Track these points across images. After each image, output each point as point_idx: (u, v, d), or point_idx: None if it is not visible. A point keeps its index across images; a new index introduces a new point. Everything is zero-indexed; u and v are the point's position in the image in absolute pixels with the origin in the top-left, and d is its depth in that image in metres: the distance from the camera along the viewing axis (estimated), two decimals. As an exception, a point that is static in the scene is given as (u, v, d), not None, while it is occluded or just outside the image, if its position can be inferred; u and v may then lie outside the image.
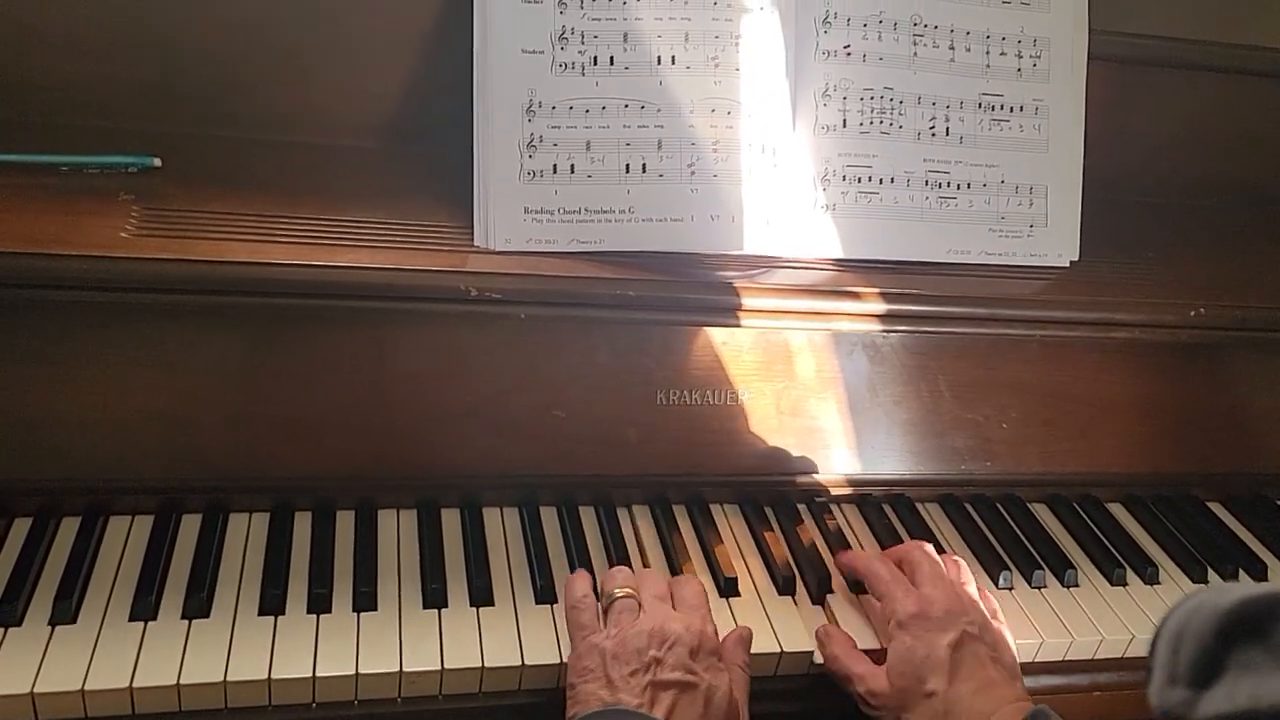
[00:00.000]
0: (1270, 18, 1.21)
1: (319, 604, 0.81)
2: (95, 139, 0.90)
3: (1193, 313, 1.01)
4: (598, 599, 0.82)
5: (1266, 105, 1.18)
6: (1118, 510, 1.09)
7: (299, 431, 0.87)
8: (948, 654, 0.78)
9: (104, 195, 0.85)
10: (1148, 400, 1.06)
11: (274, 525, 0.88)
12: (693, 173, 0.91)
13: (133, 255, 0.78)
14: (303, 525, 0.89)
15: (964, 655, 0.78)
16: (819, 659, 0.85)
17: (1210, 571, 1.01)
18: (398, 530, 0.91)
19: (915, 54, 0.97)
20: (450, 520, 0.92)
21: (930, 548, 0.89)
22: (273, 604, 0.81)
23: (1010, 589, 0.95)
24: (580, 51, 0.89)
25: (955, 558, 0.90)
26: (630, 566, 0.89)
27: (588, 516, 0.96)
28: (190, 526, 0.87)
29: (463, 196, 0.91)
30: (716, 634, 0.80)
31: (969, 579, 0.87)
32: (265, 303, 0.82)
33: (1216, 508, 1.12)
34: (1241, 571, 1.02)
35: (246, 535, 0.88)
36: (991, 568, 0.96)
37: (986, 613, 0.84)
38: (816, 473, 1.00)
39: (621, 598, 0.80)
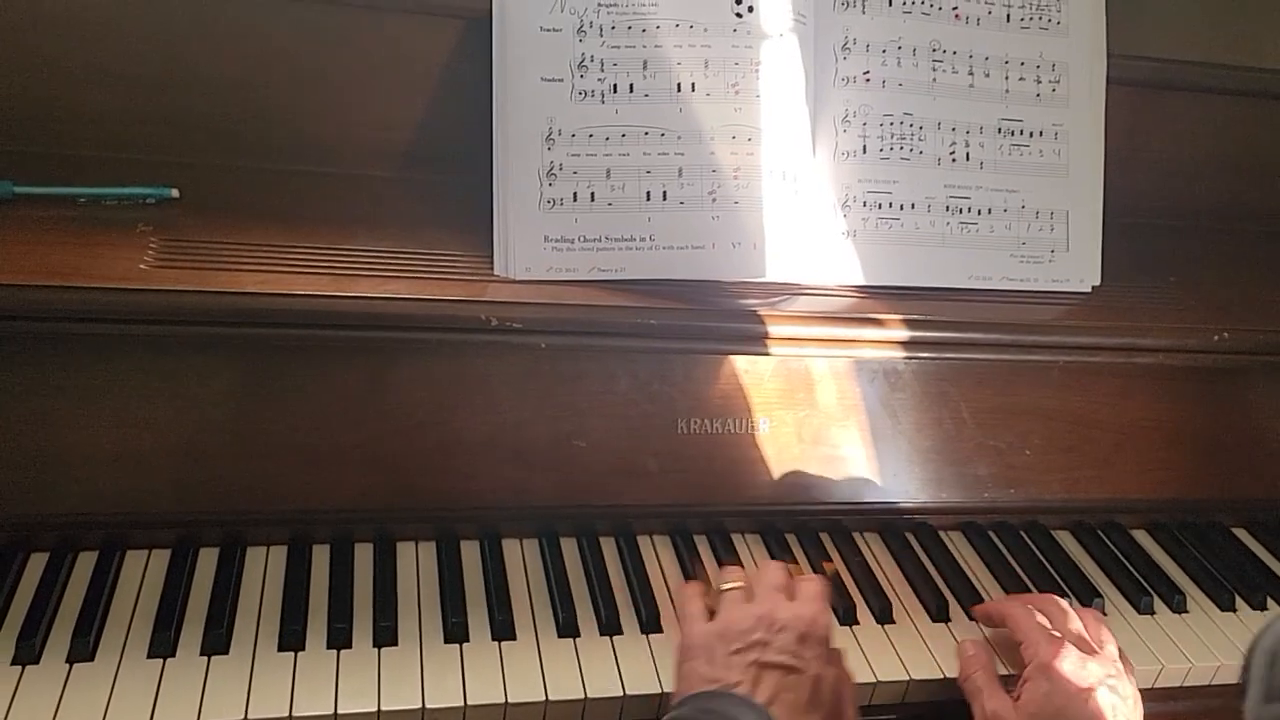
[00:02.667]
0: (1287, 40, 1.21)
1: (339, 639, 0.80)
2: (113, 170, 0.90)
3: (1217, 337, 1.00)
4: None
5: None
6: (1143, 537, 1.08)
7: (317, 463, 0.86)
8: (1085, 705, 0.78)
9: (122, 227, 0.85)
10: (1172, 425, 1.05)
11: (292, 558, 0.87)
12: (714, 200, 0.90)
13: (150, 287, 0.78)
14: (321, 558, 0.88)
15: (1102, 707, 0.78)
16: (953, 673, 0.85)
17: (1239, 599, 1.00)
18: (417, 562, 0.89)
19: (934, 79, 0.96)
20: (470, 552, 0.91)
21: (1065, 602, 0.88)
22: (292, 640, 0.79)
23: (1037, 619, 0.93)
24: (600, 79, 0.88)
25: (1093, 611, 0.90)
26: (653, 597, 0.88)
27: (608, 547, 0.94)
28: (208, 560, 0.86)
29: (482, 225, 0.90)
30: (829, 626, 0.79)
31: (1109, 637, 0.86)
32: (282, 333, 0.81)
33: (1241, 533, 1.11)
34: (1270, 599, 1.01)
35: (265, 568, 0.86)
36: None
37: (1122, 667, 0.83)
38: (838, 501, 0.99)
39: (731, 589, 0.81)
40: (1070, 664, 0.80)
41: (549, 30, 0.88)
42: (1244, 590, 1.00)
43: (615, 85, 0.89)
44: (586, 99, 0.88)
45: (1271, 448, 1.09)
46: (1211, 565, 1.04)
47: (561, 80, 0.88)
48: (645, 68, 0.89)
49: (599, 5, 0.88)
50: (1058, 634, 0.84)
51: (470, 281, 0.87)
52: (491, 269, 0.89)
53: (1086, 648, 0.83)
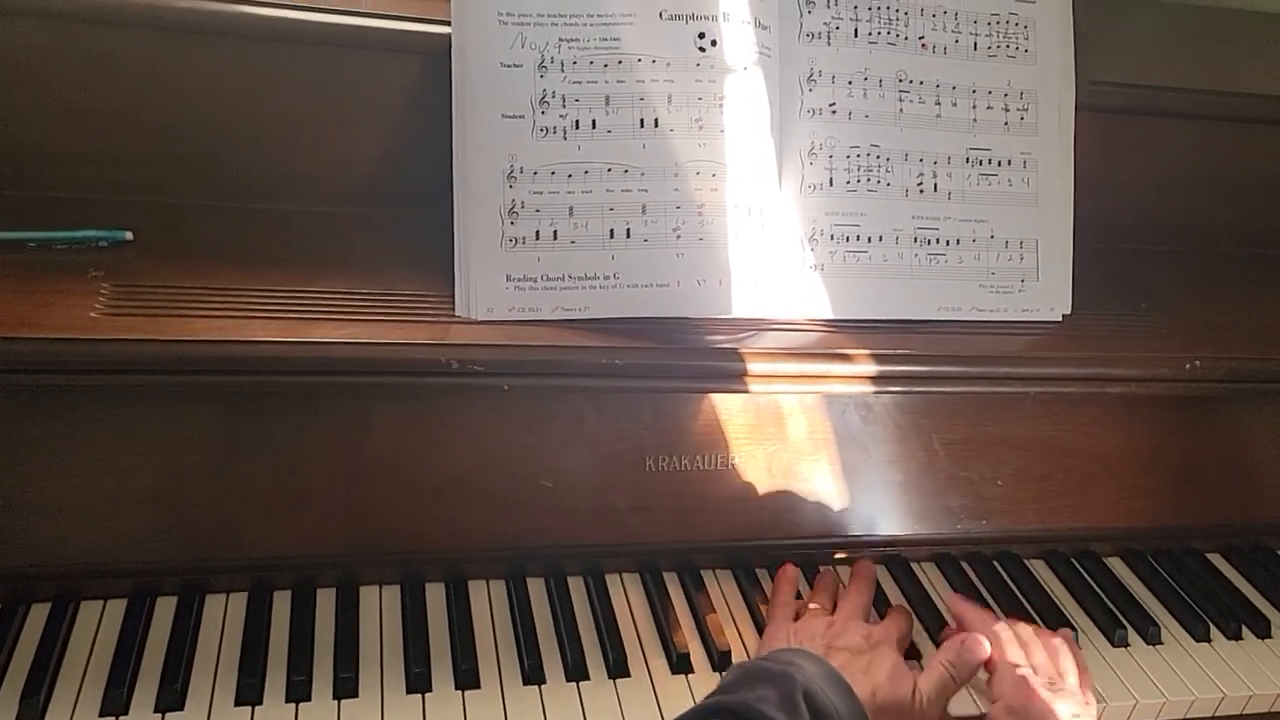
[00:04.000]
0: (1256, 63, 1.20)
1: (298, 692, 0.78)
2: (65, 211, 0.88)
3: (1189, 365, 1.00)
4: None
5: (1253, 150, 1.17)
6: (1117, 565, 1.08)
7: (278, 509, 0.85)
8: None
9: (73, 272, 0.83)
10: (1145, 453, 1.05)
11: (252, 606, 0.85)
12: (678, 236, 0.89)
13: (101, 337, 0.76)
14: (282, 605, 0.86)
15: None
16: None
17: (1214, 629, 0.99)
18: (380, 608, 0.88)
19: (901, 110, 0.95)
20: (435, 595, 0.90)
21: (1031, 630, 0.89)
22: (250, 694, 0.78)
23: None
24: (561, 115, 0.87)
25: (1062, 633, 0.90)
26: (620, 640, 0.87)
27: (576, 587, 0.93)
28: (165, 610, 0.84)
29: (444, 263, 0.89)
30: (899, 649, 0.86)
31: (1071, 667, 0.86)
32: (239, 380, 0.80)
33: (1216, 559, 1.10)
34: (1244, 628, 1.00)
35: (224, 617, 0.85)
36: (990, 632, 0.94)
37: (1084, 698, 0.84)
38: (810, 535, 0.98)
39: (815, 608, 0.90)
40: (1037, 708, 0.80)
41: (509, 66, 0.87)
42: (1219, 619, 1.00)
43: (577, 121, 0.87)
44: (548, 135, 0.87)
45: (1246, 473, 1.09)
46: (1186, 593, 1.03)
47: (523, 117, 0.87)
48: (608, 103, 0.87)
49: (560, 40, 0.87)
50: (1023, 671, 0.83)
51: (432, 323, 0.85)
52: (453, 310, 0.87)
53: (1052, 684, 0.83)
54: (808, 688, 0.71)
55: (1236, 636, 0.99)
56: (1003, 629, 0.88)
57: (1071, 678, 0.85)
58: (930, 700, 0.81)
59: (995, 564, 1.04)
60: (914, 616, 0.94)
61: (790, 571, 0.95)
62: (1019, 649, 0.86)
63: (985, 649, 0.85)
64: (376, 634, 0.85)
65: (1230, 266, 1.20)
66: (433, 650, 0.84)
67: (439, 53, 0.88)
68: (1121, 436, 1.03)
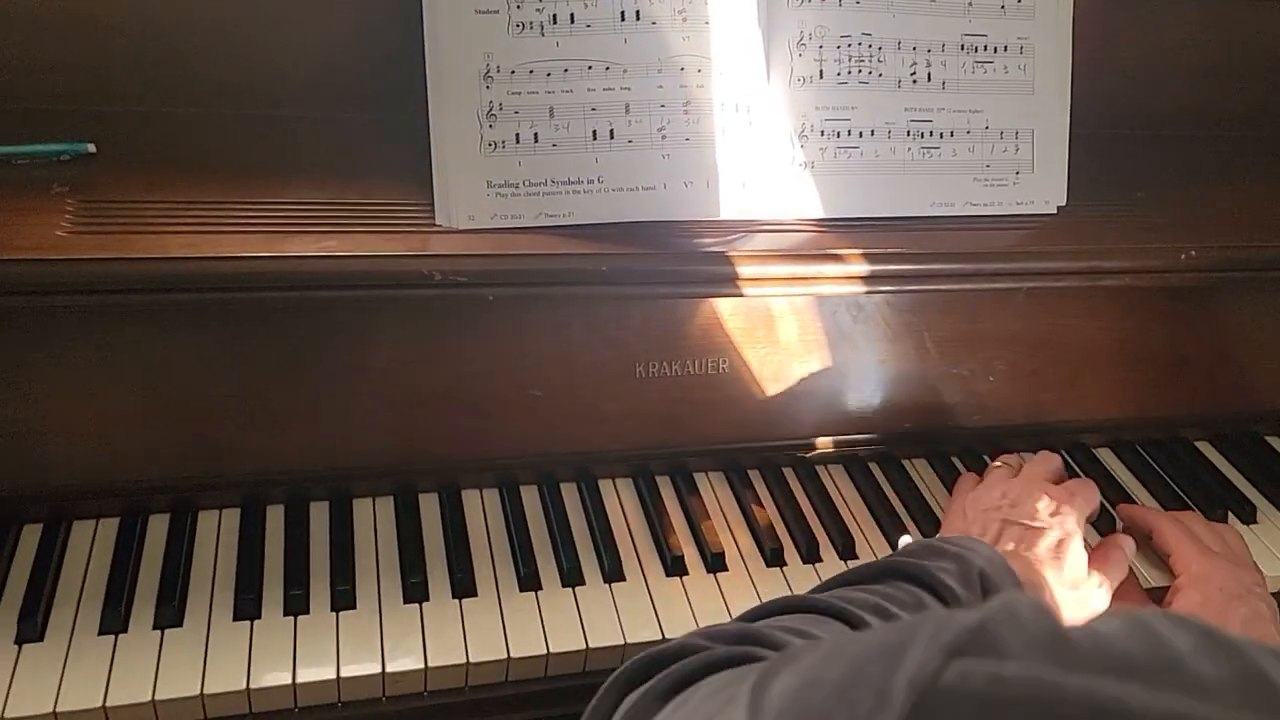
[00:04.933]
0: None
1: (296, 605, 0.79)
2: (25, 124, 0.84)
3: (1183, 256, 0.98)
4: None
5: (1254, 28, 1.13)
6: (1106, 455, 1.08)
7: (264, 424, 0.84)
8: (1237, 613, 0.80)
9: (36, 188, 0.80)
10: (1136, 344, 1.04)
11: (245, 522, 0.85)
12: (664, 137, 0.86)
13: (69, 256, 0.73)
14: (275, 521, 0.86)
15: (1250, 616, 0.80)
16: None
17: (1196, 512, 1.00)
18: (375, 520, 0.88)
19: (894, -5, 0.91)
20: (429, 506, 0.90)
21: (1201, 517, 0.93)
22: (248, 609, 0.78)
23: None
24: (538, 9, 0.83)
25: (1228, 527, 0.93)
26: (615, 545, 0.88)
27: (569, 493, 0.93)
28: (158, 528, 0.84)
29: (422, 170, 0.85)
30: (1087, 511, 0.85)
31: (1245, 549, 0.90)
32: (216, 297, 0.78)
33: (1205, 447, 1.11)
34: (1230, 514, 1.01)
35: (217, 534, 0.85)
36: (980, 527, 0.95)
37: (1262, 578, 0.86)
38: (802, 436, 0.98)
39: (999, 466, 0.91)
40: (1221, 575, 0.83)
41: (481, -43, 0.82)
42: (1205, 506, 1.01)
43: (555, 15, 0.83)
44: (525, 31, 0.83)
45: (1235, 361, 1.09)
46: (1174, 481, 1.04)
47: (497, 12, 0.83)
48: (586, -5, 0.83)
49: (534, -72, 0.82)
50: (1206, 549, 0.87)
51: (412, 233, 0.83)
52: (434, 219, 0.84)
53: (1233, 560, 0.86)
54: (984, 570, 0.69)
55: (1222, 520, 1.00)
56: (1178, 515, 0.92)
57: (1249, 558, 0.88)
58: (1108, 587, 0.82)
59: (986, 459, 1.04)
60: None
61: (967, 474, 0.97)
62: (1192, 527, 0.90)
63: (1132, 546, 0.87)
64: (372, 546, 0.85)
65: (1229, 150, 1.18)
66: (428, 560, 0.84)
67: (407, -56, 0.84)
68: (1113, 329, 1.03)
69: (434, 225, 0.84)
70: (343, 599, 0.80)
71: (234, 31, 0.89)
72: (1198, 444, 1.11)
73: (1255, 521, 1.01)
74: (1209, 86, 1.15)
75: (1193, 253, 0.98)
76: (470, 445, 0.89)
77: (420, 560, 0.84)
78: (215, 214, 0.81)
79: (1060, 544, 0.79)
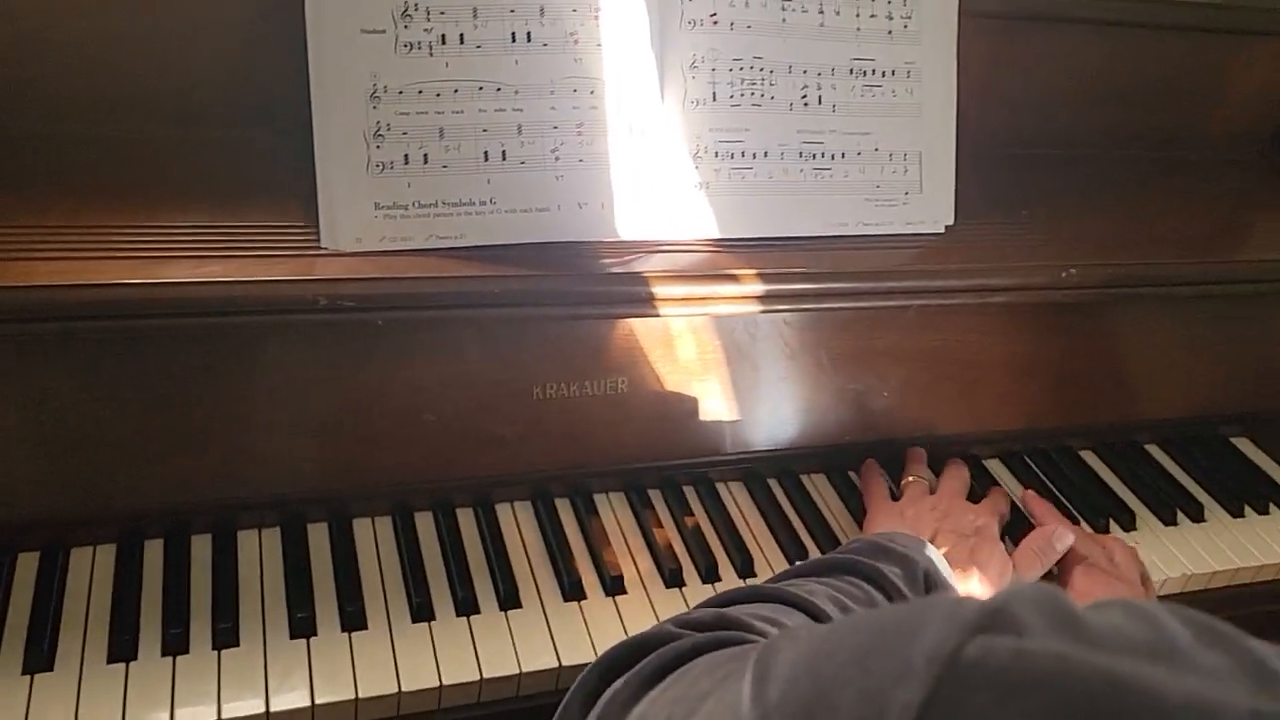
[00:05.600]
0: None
1: (175, 644, 0.76)
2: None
3: (1064, 274, 1.01)
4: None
5: (1138, 54, 1.18)
6: (995, 466, 1.11)
7: (142, 456, 0.81)
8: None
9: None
10: (1024, 359, 1.07)
11: (121, 559, 0.82)
12: (557, 158, 0.85)
13: (-74, 285, 0.69)
14: (154, 555, 0.83)
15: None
16: None
17: (1083, 523, 1.04)
18: (260, 552, 0.85)
19: (784, 19, 0.92)
20: (318, 536, 0.88)
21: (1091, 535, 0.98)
22: (123, 650, 0.75)
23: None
24: (426, 30, 0.81)
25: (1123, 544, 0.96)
26: (511, 572, 0.87)
27: (466, 519, 0.92)
28: (27, 567, 0.80)
29: (306, 192, 0.83)
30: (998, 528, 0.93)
31: (1134, 563, 0.93)
32: (88, 326, 0.74)
33: (1090, 456, 1.15)
34: (1113, 521, 1.05)
35: (91, 571, 0.81)
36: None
37: (1151, 592, 0.92)
38: (703, 454, 0.99)
39: (914, 481, 0.98)
40: (1100, 590, 0.87)
41: (367, -25, 0.80)
42: (1088, 514, 1.05)
43: (444, 36, 0.82)
44: (413, 51, 0.82)
45: (1120, 374, 1.13)
46: (1059, 490, 1.08)
47: (384, 31, 0.81)
48: (475, 16, 0.82)
49: (421, -53, 0.81)
50: (1092, 562, 0.91)
51: (296, 257, 0.80)
52: (319, 241, 0.82)
53: (1119, 574, 0.90)
54: (928, 571, 0.78)
55: (1104, 530, 1.04)
56: (1069, 527, 0.95)
57: (1130, 572, 0.92)
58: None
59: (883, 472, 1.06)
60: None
61: (870, 460, 1.04)
62: (1085, 544, 0.93)
63: (1070, 539, 0.91)
64: (257, 579, 0.83)
65: (1116, 170, 1.22)
66: (316, 592, 0.82)
67: (290, -39, 0.81)
68: (1002, 344, 1.05)
69: (319, 249, 0.82)
70: (224, 636, 0.77)
71: (113, 48, 0.85)
72: (1082, 453, 1.15)
73: (1135, 529, 1.05)
74: (1097, 108, 1.19)
75: (1073, 271, 1.02)
76: (361, 473, 0.87)
77: (308, 592, 0.81)
78: (88, 239, 0.77)
79: (988, 550, 0.88)
